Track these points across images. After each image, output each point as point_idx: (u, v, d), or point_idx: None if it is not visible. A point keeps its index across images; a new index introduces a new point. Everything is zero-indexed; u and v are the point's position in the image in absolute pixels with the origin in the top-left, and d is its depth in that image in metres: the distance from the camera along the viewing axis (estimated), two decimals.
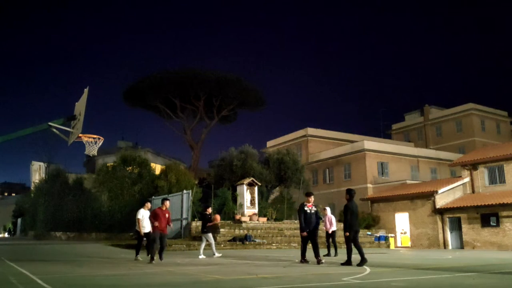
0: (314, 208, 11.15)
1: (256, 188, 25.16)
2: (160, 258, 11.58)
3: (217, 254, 13.69)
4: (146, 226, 12.37)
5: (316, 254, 10.75)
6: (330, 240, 15.52)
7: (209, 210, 15.34)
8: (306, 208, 10.88)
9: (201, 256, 13.24)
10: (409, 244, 28.58)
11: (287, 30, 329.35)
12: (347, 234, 10.33)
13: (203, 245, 13.92)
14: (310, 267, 9.88)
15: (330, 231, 15.44)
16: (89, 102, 11.29)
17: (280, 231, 23.35)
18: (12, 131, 13.25)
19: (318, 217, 11.46)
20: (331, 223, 15.60)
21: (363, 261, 9.89)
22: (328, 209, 16.20)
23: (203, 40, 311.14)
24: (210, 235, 13.90)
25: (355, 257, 10.11)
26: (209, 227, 14.02)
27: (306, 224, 10.77)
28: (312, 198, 11.29)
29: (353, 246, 10.34)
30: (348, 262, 10.10)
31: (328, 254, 14.75)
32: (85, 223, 28.67)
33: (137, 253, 12.52)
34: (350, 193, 10.61)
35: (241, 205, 24.42)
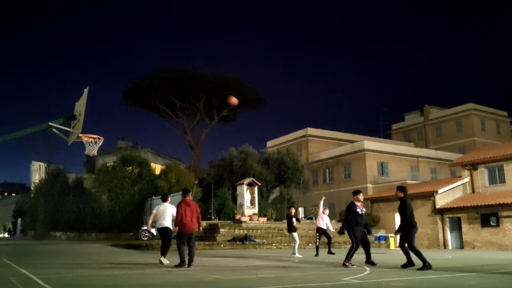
0: (364, 209, 10.17)
1: (256, 188, 25.18)
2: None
3: (297, 255, 13.48)
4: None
5: (368, 256, 10.29)
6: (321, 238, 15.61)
7: (292, 210, 14.53)
8: (357, 209, 9.92)
9: (297, 255, 13.29)
10: None
11: (287, 30, 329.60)
12: (397, 234, 9.49)
13: (296, 246, 13.93)
14: (310, 267, 9.88)
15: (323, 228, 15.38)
16: (89, 102, 11.27)
17: (280, 231, 23.35)
18: (12, 131, 13.25)
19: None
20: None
21: (410, 264, 9.10)
22: (326, 211, 16.41)
23: (203, 40, 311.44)
24: (295, 234, 13.89)
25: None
26: (294, 226, 13.90)
27: (357, 225, 9.82)
28: (362, 197, 10.17)
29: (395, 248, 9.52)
30: (425, 265, 8.78)
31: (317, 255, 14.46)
32: (85, 223, 28.64)
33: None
34: (404, 190, 9.49)
35: (241, 205, 24.43)
